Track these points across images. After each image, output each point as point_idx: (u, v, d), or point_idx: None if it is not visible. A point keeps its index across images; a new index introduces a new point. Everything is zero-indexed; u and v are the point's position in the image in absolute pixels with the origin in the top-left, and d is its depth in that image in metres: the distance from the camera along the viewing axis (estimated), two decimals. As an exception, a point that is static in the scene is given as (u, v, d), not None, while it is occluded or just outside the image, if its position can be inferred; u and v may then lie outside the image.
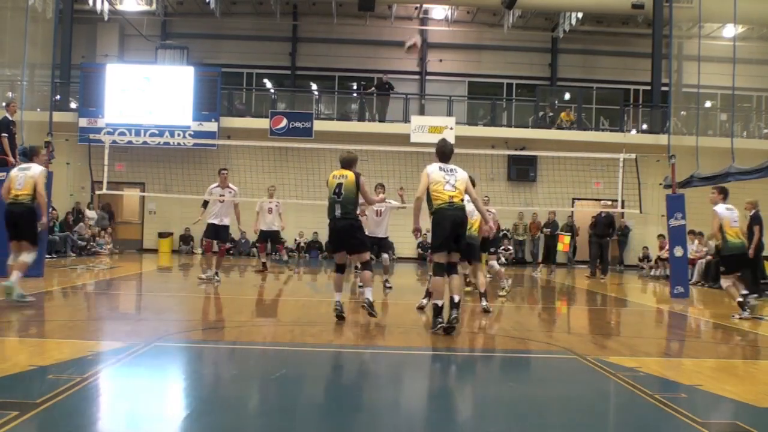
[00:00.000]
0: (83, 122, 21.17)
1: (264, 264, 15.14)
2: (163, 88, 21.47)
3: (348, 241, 7.65)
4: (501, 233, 16.98)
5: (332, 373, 5.76)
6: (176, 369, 5.57)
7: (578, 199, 21.42)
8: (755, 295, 11.18)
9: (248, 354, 6.31)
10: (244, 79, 26.06)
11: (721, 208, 9.55)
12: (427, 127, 21.03)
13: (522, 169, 22.55)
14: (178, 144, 21.33)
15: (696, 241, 16.66)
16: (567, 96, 24.76)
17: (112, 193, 18.79)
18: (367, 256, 7.73)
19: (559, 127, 22.70)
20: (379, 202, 9.94)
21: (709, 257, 16.17)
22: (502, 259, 14.27)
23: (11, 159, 11.68)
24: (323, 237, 22.37)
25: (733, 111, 18.76)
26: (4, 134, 11.71)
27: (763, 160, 13.23)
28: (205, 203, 12.36)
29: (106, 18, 23.99)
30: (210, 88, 21.68)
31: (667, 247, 14.89)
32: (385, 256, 11.52)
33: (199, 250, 18.53)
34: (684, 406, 4.50)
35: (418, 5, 25.20)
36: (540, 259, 20.73)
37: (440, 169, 7.09)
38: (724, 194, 9.74)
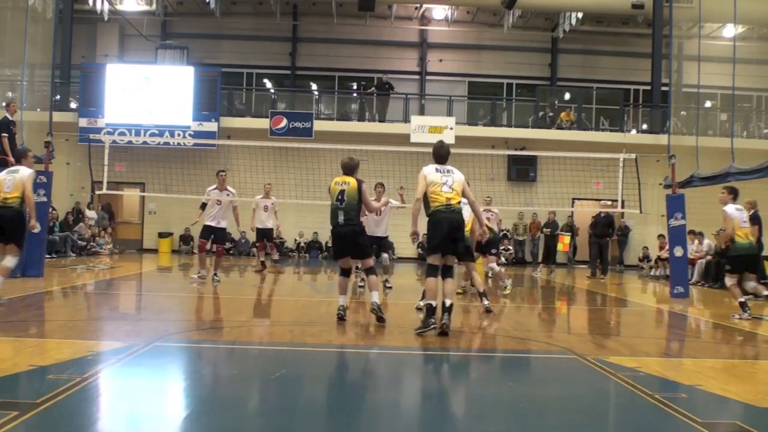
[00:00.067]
0: (83, 122, 21.18)
1: (263, 263, 15.14)
2: (163, 88, 21.48)
3: (352, 247, 7.68)
4: (501, 233, 16.95)
5: (332, 373, 5.76)
6: (176, 369, 5.57)
7: (578, 199, 21.43)
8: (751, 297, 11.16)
9: (248, 354, 6.31)
10: (244, 79, 26.06)
11: (731, 208, 9.49)
12: (427, 127, 21.03)
13: (522, 169, 22.56)
14: (178, 144, 21.33)
15: (696, 241, 16.66)
16: (567, 96, 24.76)
17: (112, 193, 18.79)
18: (371, 261, 7.75)
19: (559, 127, 22.70)
20: (381, 206, 9.91)
21: (709, 257, 16.17)
22: (502, 259, 14.26)
23: (11, 159, 11.67)
24: (323, 237, 22.40)
25: (733, 111, 18.75)
26: (4, 134, 11.70)
27: (763, 160, 13.24)
28: (203, 205, 12.33)
29: (106, 18, 23.99)
30: (210, 88, 21.69)
31: (667, 247, 14.88)
32: (385, 255, 11.52)
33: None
34: (684, 406, 4.50)
35: (418, 5, 25.20)
36: (540, 259, 20.73)
37: (437, 170, 7.09)
38: (734, 194, 9.68)
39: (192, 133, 21.20)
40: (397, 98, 23.50)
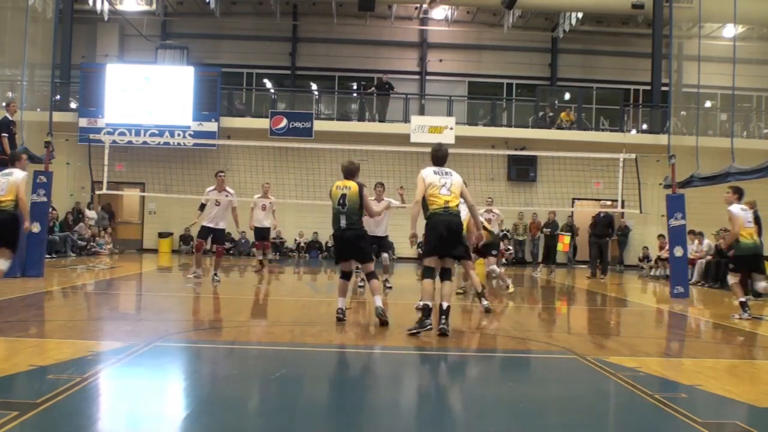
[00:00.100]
0: (83, 122, 21.18)
1: (260, 262, 15.17)
2: (163, 88, 21.48)
3: (354, 251, 7.68)
4: (502, 233, 16.94)
5: (332, 373, 5.76)
6: (176, 369, 5.57)
7: (578, 199, 21.43)
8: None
9: (248, 354, 6.32)
10: (244, 79, 26.06)
11: (736, 208, 9.47)
12: (427, 127, 21.03)
13: (522, 169, 22.56)
14: (178, 144, 21.33)
15: (696, 241, 16.66)
16: (567, 96, 24.76)
17: (112, 193, 18.78)
18: (371, 266, 7.75)
19: (559, 127, 22.70)
20: (383, 209, 9.86)
21: (709, 257, 16.16)
22: (503, 260, 14.29)
23: (11, 159, 11.68)
24: (323, 237, 22.40)
25: (733, 111, 18.75)
26: (4, 134, 11.71)
27: (763, 160, 13.23)
28: (202, 206, 12.28)
29: (106, 18, 23.99)
30: (210, 88, 21.69)
31: (667, 247, 14.88)
32: (385, 255, 11.53)
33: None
34: (684, 406, 4.50)
35: (418, 5, 25.20)
36: (540, 259, 20.73)
37: (435, 172, 7.09)
38: (739, 194, 9.65)
39: (192, 133, 21.20)
40: (397, 98, 23.50)
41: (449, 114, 22.80)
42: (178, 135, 21.23)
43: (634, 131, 23.68)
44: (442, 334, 6.82)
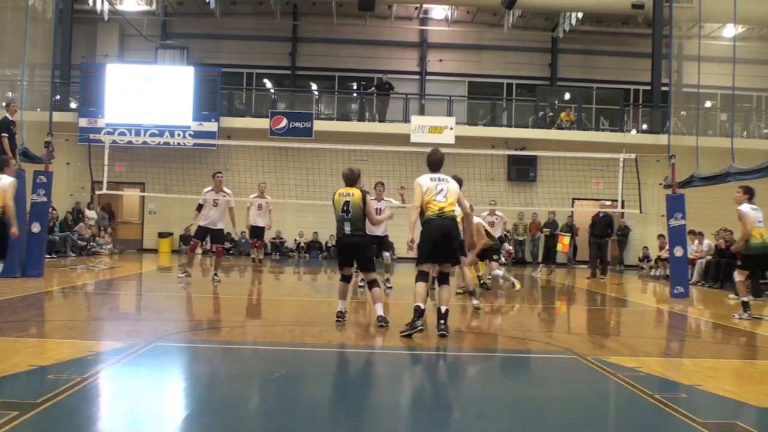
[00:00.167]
0: (83, 122, 21.17)
1: (254, 260, 15.25)
2: (163, 88, 21.47)
3: (358, 257, 7.69)
4: (504, 234, 16.89)
5: (332, 373, 5.76)
6: (176, 369, 5.57)
7: (578, 199, 21.42)
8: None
9: (248, 354, 6.32)
10: (244, 79, 26.06)
11: (746, 207, 9.42)
12: (427, 127, 21.02)
13: (522, 169, 22.55)
14: (178, 144, 21.33)
15: (696, 241, 16.65)
16: (567, 96, 24.75)
17: (112, 193, 18.78)
18: (374, 275, 7.74)
19: (559, 127, 22.69)
20: (385, 219, 9.84)
21: (709, 257, 16.16)
22: (503, 260, 14.28)
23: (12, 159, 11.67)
24: (323, 237, 22.40)
25: (733, 111, 18.75)
26: (4, 134, 11.70)
27: (763, 160, 13.24)
28: (200, 207, 12.22)
29: (106, 18, 23.98)
30: (210, 88, 21.68)
31: (667, 247, 14.88)
32: (387, 254, 11.54)
33: (199, 251, 18.49)
34: (684, 406, 4.51)
35: (418, 5, 25.20)
36: (540, 259, 20.73)
37: (431, 179, 7.10)
38: (749, 194, 9.60)
39: (192, 133, 21.20)
40: (397, 98, 23.49)
41: (449, 114, 22.79)
42: (178, 135, 21.23)
43: (634, 131, 23.68)
44: (442, 336, 6.82)
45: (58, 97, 21.43)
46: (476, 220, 11.31)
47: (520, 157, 21.64)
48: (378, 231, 11.17)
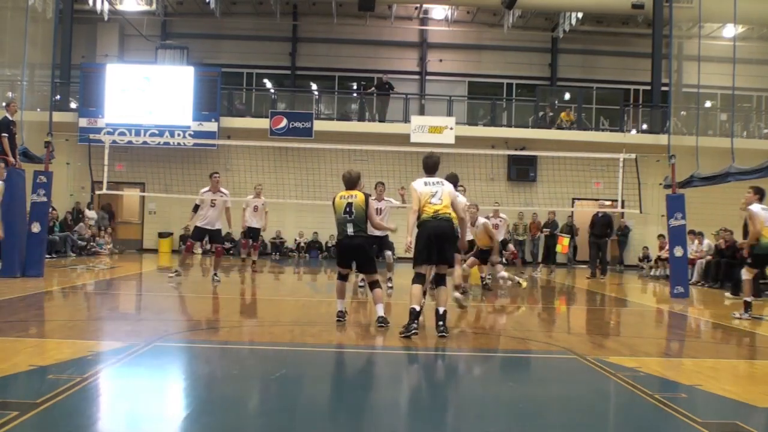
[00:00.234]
0: (83, 122, 21.18)
1: (243, 259, 15.39)
2: (163, 88, 21.47)
3: (359, 259, 7.70)
4: (508, 235, 16.85)
5: (332, 373, 5.76)
6: (176, 369, 5.57)
7: (578, 199, 21.43)
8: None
9: (248, 354, 6.32)
10: (244, 79, 26.06)
11: (757, 207, 9.40)
12: (427, 127, 21.02)
13: (522, 169, 22.55)
14: (178, 144, 21.33)
15: (696, 241, 16.65)
16: (567, 96, 24.75)
17: (112, 193, 18.79)
18: (375, 276, 7.76)
19: (559, 127, 22.69)
20: (387, 228, 9.83)
21: (709, 257, 16.16)
22: (504, 261, 14.33)
23: (11, 159, 11.69)
24: (323, 237, 22.39)
25: (733, 111, 18.75)
26: (4, 134, 11.70)
27: (763, 160, 13.24)
28: (196, 207, 12.18)
29: (106, 18, 23.99)
30: (210, 88, 21.68)
31: (667, 247, 14.88)
32: (389, 253, 11.56)
33: (199, 251, 18.52)
34: (684, 406, 4.51)
35: (418, 5, 25.20)
36: (540, 259, 20.73)
37: (426, 183, 7.15)
38: (760, 194, 9.57)
39: (192, 133, 21.20)
40: (397, 98, 23.49)
41: (449, 114, 22.79)
42: (178, 135, 21.23)
43: (634, 131, 23.68)
44: (442, 337, 6.83)
45: (58, 97, 21.44)
46: (482, 221, 11.36)
47: (520, 157, 21.65)
48: (378, 231, 11.18)
